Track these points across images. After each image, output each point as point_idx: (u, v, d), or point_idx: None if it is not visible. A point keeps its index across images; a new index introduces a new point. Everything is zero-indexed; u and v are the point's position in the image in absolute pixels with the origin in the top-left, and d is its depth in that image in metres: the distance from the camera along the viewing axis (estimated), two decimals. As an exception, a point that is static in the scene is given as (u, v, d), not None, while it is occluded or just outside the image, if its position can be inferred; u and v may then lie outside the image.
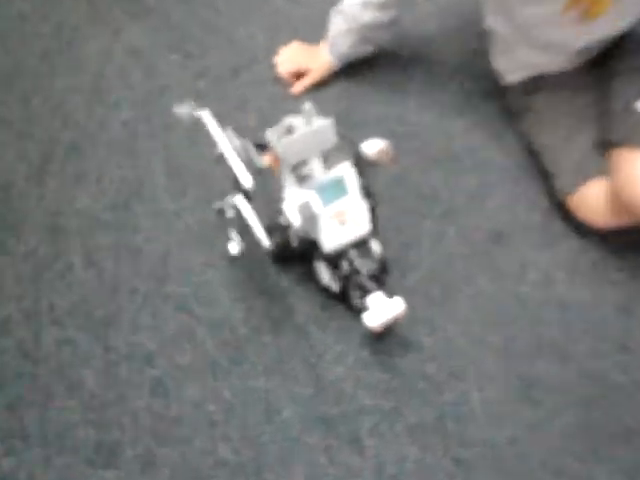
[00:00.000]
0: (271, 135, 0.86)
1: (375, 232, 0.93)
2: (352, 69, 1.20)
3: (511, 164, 1.11)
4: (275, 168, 0.89)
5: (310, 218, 0.85)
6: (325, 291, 0.97)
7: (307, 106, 0.84)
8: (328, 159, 0.89)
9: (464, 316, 0.96)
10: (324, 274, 0.95)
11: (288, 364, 0.93)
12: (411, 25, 1.24)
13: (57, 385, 0.92)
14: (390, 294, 0.91)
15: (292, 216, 0.84)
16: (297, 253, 0.98)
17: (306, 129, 0.85)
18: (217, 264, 1.02)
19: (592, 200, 0.98)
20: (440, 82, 1.20)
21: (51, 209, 1.08)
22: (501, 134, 1.14)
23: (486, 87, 1.18)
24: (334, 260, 0.93)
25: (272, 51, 1.23)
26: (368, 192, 0.93)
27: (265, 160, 0.89)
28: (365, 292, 0.92)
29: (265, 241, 0.89)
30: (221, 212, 0.93)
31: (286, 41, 1.23)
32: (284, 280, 1.00)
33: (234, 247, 0.97)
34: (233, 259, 0.95)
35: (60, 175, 1.11)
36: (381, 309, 0.90)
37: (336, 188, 0.90)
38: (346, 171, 0.91)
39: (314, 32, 1.18)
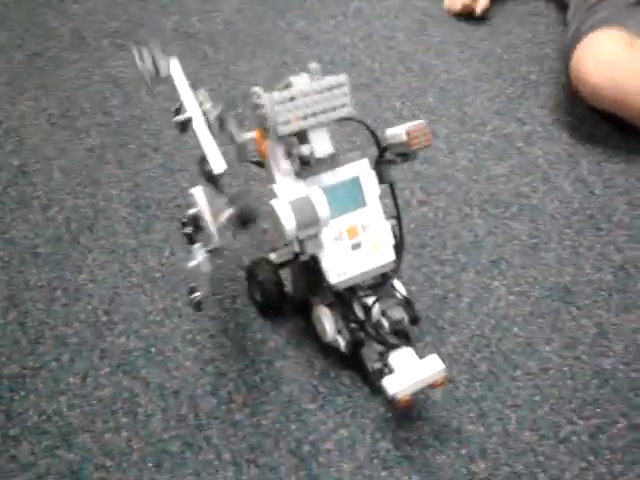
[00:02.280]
0: (259, 91, 0.61)
1: (397, 270, 0.67)
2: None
3: (567, 212, 0.87)
4: (263, 151, 0.64)
5: (310, 224, 0.59)
6: (327, 349, 0.70)
7: (313, 65, 0.61)
8: (337, 158, 0.65)
9: (525, 397, 0.67)
10: (327, 323, 0.67)
11: (269, 454, 0.63)
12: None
13: None
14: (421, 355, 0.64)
15: (283, 216, 0.58)
16: (296, 299, 0.72)
17: (310, 84, 0.61)
18: (179, 312, 0.75)
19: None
20: (477, 122, 1.00)
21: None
22: (551, 179, 0.91)
23: (529, 130, 0.98)
24: (343, 301, 0.66)
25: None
26: (394, 205, 0.67)
27: (248, 136, 0.64)
28: (387, 349, 0.65)
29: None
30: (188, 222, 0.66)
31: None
32: (270, 336, 0.73)
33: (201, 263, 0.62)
34: (202, 305, 0.68)
35: (-1, 200, 0.88)
36: (410, 372, 0.61)
37: (349, 194, 0.65)
38: (364, 171, 0.66)
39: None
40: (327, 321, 0.68)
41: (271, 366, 0.70)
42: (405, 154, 0.65)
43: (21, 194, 0.88)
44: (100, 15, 1.21)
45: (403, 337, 0.65)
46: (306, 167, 0.64)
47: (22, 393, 0.68)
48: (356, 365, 0.68)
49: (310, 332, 0.71)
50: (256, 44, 1.15)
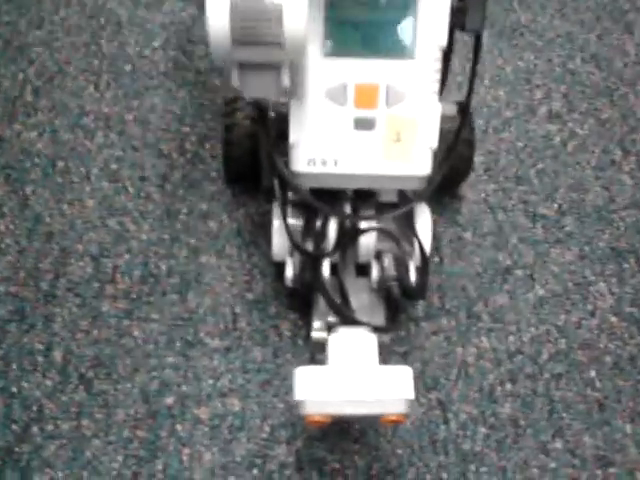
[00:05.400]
0: None
1: (425, 194, 0.45)
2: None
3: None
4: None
5: (258, 23, 0.33)
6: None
7: None
8: None
9: None
10: (275, 236, 0.47)
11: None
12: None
13: None
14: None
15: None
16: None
17: None
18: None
19: None
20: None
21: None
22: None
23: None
24: (309, 210, 0.45)
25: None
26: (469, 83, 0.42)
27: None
28: (338, 320, 0.44)
29: None
30: None
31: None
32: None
33: None
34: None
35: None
36: (351, 377, 0.40)
37: (385, 25, 0.39)
38: None
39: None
40: (276, 232, 0.46)
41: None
42: None
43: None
44: None
45: (374, 314, 0.45)
46: None
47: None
48: (304, 310, 0.51)
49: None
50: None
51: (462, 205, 0.60)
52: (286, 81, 0.35)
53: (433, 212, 0.51)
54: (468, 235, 0.59)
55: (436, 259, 0.57)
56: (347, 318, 0.44)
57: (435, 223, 0.57)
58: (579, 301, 0.57)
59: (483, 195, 0.61)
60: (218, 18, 0.32)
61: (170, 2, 0.71)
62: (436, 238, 0.57)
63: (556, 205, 0.62)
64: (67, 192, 0.59)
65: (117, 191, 0.59)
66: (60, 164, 0.60)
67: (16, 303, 0.53)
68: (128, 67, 0.67)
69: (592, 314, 0.56)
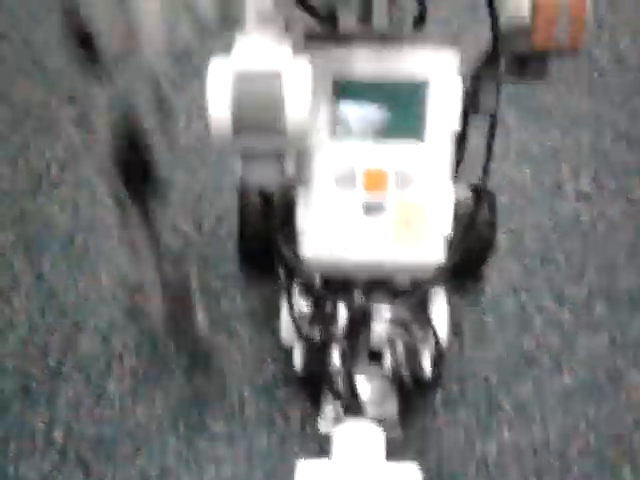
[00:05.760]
0: None
1: (439, 279, 0.42)
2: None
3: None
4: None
5: (264, 124, 0.32)
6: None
7: None
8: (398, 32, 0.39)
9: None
10: (283, 319, 0.46)
11: None
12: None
13: None
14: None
15: (213, 94, 0.32)
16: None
17: None
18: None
19: None
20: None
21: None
22: None
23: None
24: (317, 296, 0.43)
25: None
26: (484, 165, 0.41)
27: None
28: (344, 411, 0.42)
29: None
30: None
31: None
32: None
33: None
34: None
35: None
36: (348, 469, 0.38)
37: (398, 108, 0.38)
38: (442, 74, 0.38)
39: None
40: (284, 318, 0.45)
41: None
42: (525, 59, 0.37)
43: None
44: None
45: (386, 405, 0.44)
46: (325, 31, 0.39)
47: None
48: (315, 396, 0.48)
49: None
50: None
51: (484, 286, 0.58)
52: (290, 169, 0.35)
53: (453, 293, 0.49)
54: (490, 318, 0.56)
55: (455, 344, 0.55)
56: (354, 411, 0.41)
57: (455, 306, 0.55)
58: (610, 392, 0.53)
59: (507, 276, 0.59)
60: (219, 106, 0.31)
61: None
62: (456, 322, 0.55)
63: (585, 287, 0.59)
64: (83, 267, 0.59)
65: (132, 267, 0.58)
66: (79, 239, 0.61)
67: (22, 379, 0.52)
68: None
69: (625, 406, 0.52)
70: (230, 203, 0.62)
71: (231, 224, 0.60)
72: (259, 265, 0.56)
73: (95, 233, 0.61)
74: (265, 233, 0.49)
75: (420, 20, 0.42)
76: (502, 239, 0.60)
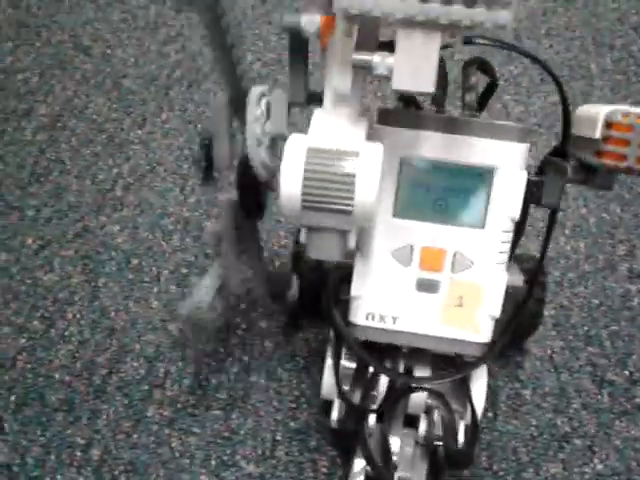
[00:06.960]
0: None
1: (487, 358, 0.43)
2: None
3: None
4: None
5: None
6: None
7: None
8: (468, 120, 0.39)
9: None
10: (326, 375, 0.47)
11: None
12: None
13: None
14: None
15: (286, 172, 0.33)
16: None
17: None
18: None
19: None
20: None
21: None
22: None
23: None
24: (361, 359, 0.44)
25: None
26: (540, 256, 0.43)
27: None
28: None
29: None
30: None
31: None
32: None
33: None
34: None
35: None
36: None
37: (461, 194, 0.40)
38: (508, 164, 0.39)
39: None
40: (327, 371, 0.46)
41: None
42: (593, 168, 0.37)
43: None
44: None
45: (416, 470, 0.45)
46: (399, 110, 0.41)
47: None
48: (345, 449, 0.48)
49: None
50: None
51: (525, 360, 0.58)
52: (352, 244, 0.36)
53: (493, 363, 0.49)
54: (527, 393, 0.56)
55: (489, 414, 0.55)
56: (385, 478, 0.42)
57: (494, 376, 0.56)
58: (641, 483, 0.53)
59: (549, 352, 0.59)
60: (291, 180, 0.33)
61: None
62: (493, 392, 0.55)
63: (627, 372, 0.58)
64: (136, 290, 0.61)
65: (182, 296, 0.60)
66: (134, 261, 0.63)
67: (68, 393, 0.55)
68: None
69: (655, 501, 0.52)
70: (285, 241, 0.64)
71: (283, 265, 0.62)
72: (308, 312, 0.58)
73: (151, 257, 0.63)
74: (317, 284, 0.51)
75: (489, 91, 0.42)
76: (548, 314, 0.60)
